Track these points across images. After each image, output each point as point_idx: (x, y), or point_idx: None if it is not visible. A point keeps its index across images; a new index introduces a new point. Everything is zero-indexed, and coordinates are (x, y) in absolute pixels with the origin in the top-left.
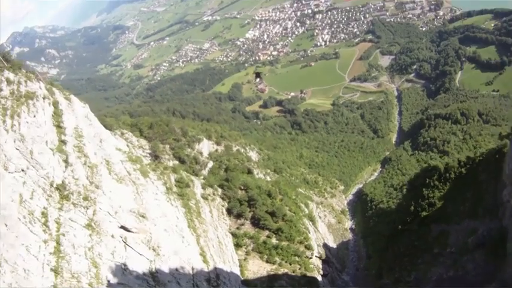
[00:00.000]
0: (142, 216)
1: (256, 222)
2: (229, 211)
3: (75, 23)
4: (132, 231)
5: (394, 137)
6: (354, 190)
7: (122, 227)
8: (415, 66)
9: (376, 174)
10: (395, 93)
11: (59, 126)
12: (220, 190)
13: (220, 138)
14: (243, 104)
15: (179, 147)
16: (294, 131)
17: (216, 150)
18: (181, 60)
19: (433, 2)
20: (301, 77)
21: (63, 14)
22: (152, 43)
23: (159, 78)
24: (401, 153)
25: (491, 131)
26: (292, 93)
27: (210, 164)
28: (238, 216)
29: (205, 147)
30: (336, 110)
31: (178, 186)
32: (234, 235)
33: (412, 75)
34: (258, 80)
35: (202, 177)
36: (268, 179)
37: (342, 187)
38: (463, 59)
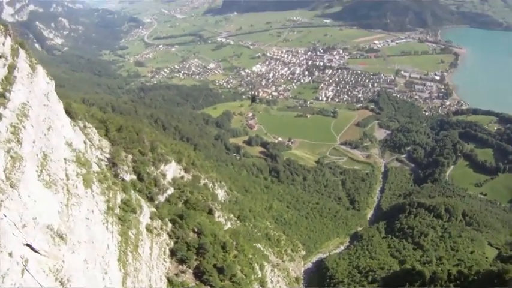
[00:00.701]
0: (61, 237)
1: (199, 275)
2: (172, 252)
3: (97, 2)
4: (39, 253)
5: (370, 214)
6: (314, 258)
7: (28, 246)
8: (409, 148)
9: (342, 247)
10: (383, 169)
11: (2, 96)
12: (170, 226)
13: (191, 165)
14: (228, 134)
15: (142, 162)
16: (270, 177)
17: (182, 178)
18: (182, 72)
19: (442, 90)
20: (294, 125)
21: None
22: (161, 46)
23: (155, 82)
24: (374, 233)
25: (472, 235)
26: (280, 139)
27: (170, 191)
28: (182, 261)
29: (171, 170)
30: (318, 169)
31: (123, 209)
32: (170, 281)
33: (404, 156)
34: (252, 103)
35: (156, 202)
36: (229, 225)
37: (303, 252)
38: (459, 154)
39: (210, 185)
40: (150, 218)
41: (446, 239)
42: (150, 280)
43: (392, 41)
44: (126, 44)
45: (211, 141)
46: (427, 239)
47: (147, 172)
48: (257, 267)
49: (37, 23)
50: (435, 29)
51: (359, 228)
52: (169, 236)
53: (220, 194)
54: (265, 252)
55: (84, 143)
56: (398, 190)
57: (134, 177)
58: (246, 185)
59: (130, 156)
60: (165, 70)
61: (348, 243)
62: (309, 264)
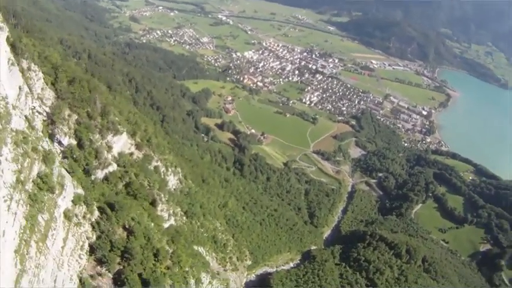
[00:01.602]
0: None
1: (119, 283)
2: (92, 249)
3: None
4: None
5: (327, 232)
6: (260, 271)
7: None
8: (380, 174)
9: (291, 265)
10: (350, 188)
11: None
12: (96, 215)
13: (146, 142)
14: (201, 112)
15: (87, 126)
16: (234, 168)
17: (131, 155)
18: (174, 38)
19: (426, 126)
20: (271, 120)
21: None
22: (161, 7)
23: (144, 41)
24: (328, 257)
25: (428, 283)
26: (253, 130)
27: (112, 168)
28: (101, 262)
29: (120, 144)
30: (284, 172)
31: (38, 185)
32: (82, 283)
33: (374, 181)
34: None
35: (93, 177)
36: (172, 221)
37: (249, 262)
38: (430, 194)
39: (162, 169)
40: (72, 201)
41: (402, 282)
42: (55, 281)
43: (389, 65)
44: None
45: (183, 115)
46: (381, 278)
47: (90, 139)
48: (192, 281)
49: None
50: (434, 66)
51: (313, 247)
52: (93, 227)
53: (172, 181)
54: (207, 258)
55: (20, 88)
56: (361, 215)
57: (74, 142)
58: (204, 174)
59: (74, 116)
60: (158, 32)
61: (299, 261)
62: (253, 276)
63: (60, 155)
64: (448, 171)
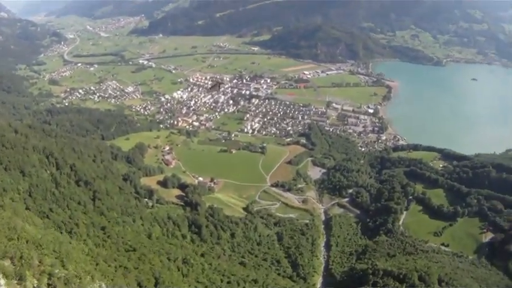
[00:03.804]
0: None
1: None
2: None
3: (24, 12)
4: None
5: (319, 282)
6: None
7: None
8: (350, 191)
9: None
10: (323, 217)
11: None
12: None
13: None
14: (139, 173)
15: None
16: (190, 234)
17: None
18: (98, 94)
19: (377, 124)
20: (217, 161)
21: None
22: (79, 64)
23: (67, 104)
24: None
25: None
26: (201, 178)
27: None
28: None
29: None
30: (248, 220)
31: None
32: None
33: (346, 200)
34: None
35: None
36: None
37: None
38: (411, 197)
39: None
40: None
41: None
42: None
43: (322, 72)
44: (45, 59)
45: (118, 183)
46: None
47: None
48: None
49: None
50: (366, 62)
51: None
52: None
53: None
54: None
55: None
56: (348, 246)
57: None
58: (156, 267)
59: None
60: (80, 91)
61: None
62: None
63: None
64: (417, 165)
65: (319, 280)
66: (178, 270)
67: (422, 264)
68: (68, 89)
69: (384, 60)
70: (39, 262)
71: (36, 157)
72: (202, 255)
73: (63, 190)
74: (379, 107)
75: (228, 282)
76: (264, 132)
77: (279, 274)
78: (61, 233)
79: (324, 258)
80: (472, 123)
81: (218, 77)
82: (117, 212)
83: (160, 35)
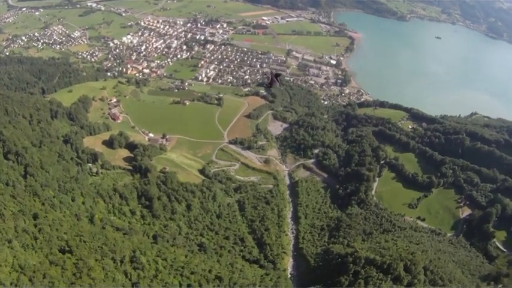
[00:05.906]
0: None
1: None
2: None
3: None
4: None
5: (290, 265)
6: None
7: None
8: (316, 151)
9: None
10: (287, 180)
11: None
12: None
13: None
14: (82, 132)
15: None
16: (140, 208)
17: None
18: (42, 40)
19: (340, 76)
20: (169, 115)
21: None
22: (24, 9)
23: (7, 54)
24: None
25: None
26: (152, 135)
27: None
28: None
29: None
30: (206, 188)
31: None
32: None
33: (312, 161)
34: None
35: None
36: None
37: None
38: (382, 162)
39: None
40: None
41: None
42: None
43: (282, 18)
44: None
45: (57, 147)
46: None
47: None
48: None
49: None
50: (328, 11)
51: None
52: None
53: None
54: None
55: None
56: (318, 218)
57: None
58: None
59: None
60: (23, 38)
61: None
62: None
63: None
64: (386, 125)
65: (289, 263)
66: (126, 276)
67: (405, 247)
68: (10, 37)
69: (346, 10)
70: None
71: None
72: (154, 238)
73: None
74: (341, 58)
75: (189, 285)
76: (219, 81)
77: (243, 258)
78: None
79: (293, 233)
80: (435, 83)
81: (171, 20)
82: (53, 189)
83: None
